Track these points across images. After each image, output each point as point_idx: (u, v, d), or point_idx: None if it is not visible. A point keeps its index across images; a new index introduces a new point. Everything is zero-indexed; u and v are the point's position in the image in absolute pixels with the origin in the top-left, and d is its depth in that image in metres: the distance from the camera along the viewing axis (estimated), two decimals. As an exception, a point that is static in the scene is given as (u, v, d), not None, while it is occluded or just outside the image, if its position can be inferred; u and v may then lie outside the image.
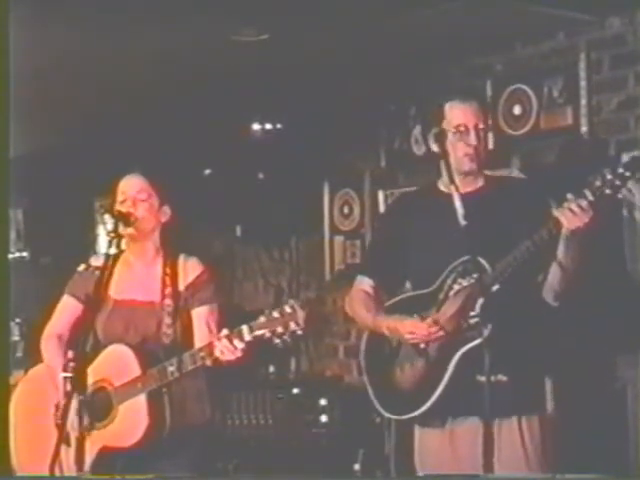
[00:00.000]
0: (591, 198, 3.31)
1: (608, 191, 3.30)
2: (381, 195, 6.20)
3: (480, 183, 3.65)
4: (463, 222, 3.33)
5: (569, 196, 3.34)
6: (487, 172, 3.69)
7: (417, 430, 3.71)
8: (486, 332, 3.21)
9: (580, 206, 3.30)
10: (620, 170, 3.28)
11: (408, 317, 3.60)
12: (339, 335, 6.43)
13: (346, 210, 6.47)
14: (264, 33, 5.14)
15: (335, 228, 6.53)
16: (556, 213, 3.35)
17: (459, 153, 3.57)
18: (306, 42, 5.27)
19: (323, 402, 5.77)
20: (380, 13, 4.82)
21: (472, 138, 3.56)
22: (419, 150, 5.97)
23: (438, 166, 3.68)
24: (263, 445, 5.85)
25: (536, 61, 5.37)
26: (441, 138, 3.56)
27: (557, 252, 3.46)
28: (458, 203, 3.37)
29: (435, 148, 3.61)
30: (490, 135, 3.68)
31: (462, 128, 3.56)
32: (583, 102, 5.12)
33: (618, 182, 3.29)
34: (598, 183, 3.30)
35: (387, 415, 3.78)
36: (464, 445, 3.51)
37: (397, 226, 3.77)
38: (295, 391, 5.90)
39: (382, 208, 6.17)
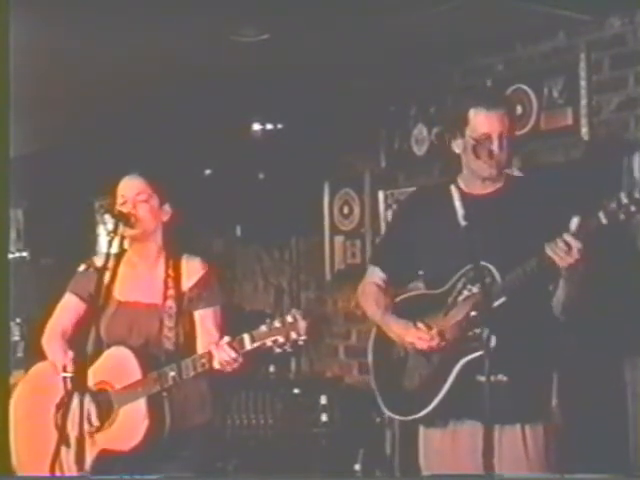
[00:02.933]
0: (604, 221, 3.25)
1: (622, 216, 3.23)
2: (381, 195, 6.20)
3: (499, 184, 3.63)
4: (463, 223, 3.33)
5: (565, 235, 3.30)
6: (507, 171, 3.67)
7: (421, 431, 3.71)
8: (490, 343, 3.20)
9: (570, 245, 3.27)
10: (637, 195, 3.21)
11: (413, 324, 3.59)
12: (339, 335, 6.43)
13: (346, 210, 6.47)
14: (264, 33, 5.14)
15: (335, 228, 6.53)
16: (549, 252, 3.31)
17: (480, 161, 3.55)
18: (306, 42, 5.27)
19: (323, 402, 5.77)
20: (380, 13, 4.82)
21: (495, 147, 3.52)
22: (419, 150, 5.98)
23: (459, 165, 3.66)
24: (263, 445, 5.85)
25: (536, 61, 5.37)
26: (462, 143, 3.57)
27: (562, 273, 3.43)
28: (458, 203, 3.36)
29: (456, 150, 3.59)
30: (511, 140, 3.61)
31: (485, 137, 3.52)
32: (583, 102, 5.12)
33: (634, 208, 3.22)
34: (613, 206, 3.24)
35: (391, 415, 3.78)
36: (466, 445, 3.51)
37: (414, 220, 3.75)
38: (295, 391, 5.90)
39: (381, 207, 6.18)
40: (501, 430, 3.36)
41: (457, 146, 3.60)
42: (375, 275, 3.84)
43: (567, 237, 3.28)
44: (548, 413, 3.56)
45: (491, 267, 3.43)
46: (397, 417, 3.81)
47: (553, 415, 3.56)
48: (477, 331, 3.41)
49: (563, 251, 3.28)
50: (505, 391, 3.33)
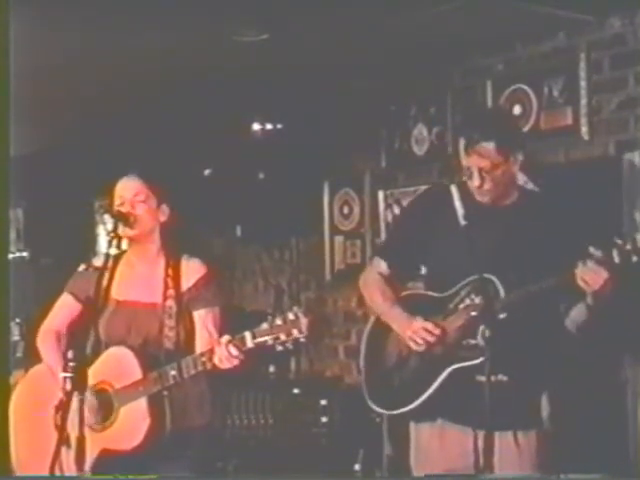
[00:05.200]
0: (617, 260, 3.26)
1: (635, 258, 3.24)
2: (381, 195, 6.20)
3: (511, 199, 3.60)
4: (463, 222, 3.33)
5: (592, 250, 3.29)
6: (521, 184, 3.66)
7: (412, 428, 3.71)
8: (484, 354, 3.23)
9: (599, 270, 3.27)
10: None
11: (418, 318, 3.59)
12: (339, 335, 6.43)
13: (346, 210, 6.47)
14: (264, 33, 5.15)
15: (335, 228, 6.53)
16: (579, 273, 3.30)
17: (470, 186, 3.54)
18: (306, 42, 5.27)
19: (323, 402, 5.77)
20: (380, 13, 4.82)
21: (475, 180, 3.49)
22: (419, 150, 5.99)
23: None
24: (263, 445, 5.85)
25: (536, 61, 5.37)
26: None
27: (587, 298, 3.43)
28: (458, 203, 3.37)
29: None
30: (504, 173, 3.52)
31: (466, 169, 3.51)
32: (583, 102, 5.12)
33: None
34: (628, 247, 3.25)
35: (376, 409, 3.77)
36: (453, 444, 3.52)
37: (420, 219, 3.72)
38: (295, 391, 5.90)
39: (381, 207, 6.19)
40: (492, 432, 3.35)
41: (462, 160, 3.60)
42: (380, 267, 3.81)
43: (596, 262, 3.28)
44: (543, 415, 3.56)
45: (496, 281, 3.42)
46: (382, 411, 3.80)
47: (549, 415, 3.56)
48: (471, 341, 3.43)
49: (593, 274, 3.28)
50: (500, 394, 3.30)
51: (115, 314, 3.81)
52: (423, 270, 3.78)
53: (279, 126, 6.45)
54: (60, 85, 5.92)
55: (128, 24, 4.88)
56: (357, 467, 5.57)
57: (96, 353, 3.77)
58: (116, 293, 3.82)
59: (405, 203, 5.70)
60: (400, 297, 3.75)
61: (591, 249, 3.30)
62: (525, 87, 5.37)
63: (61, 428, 3.46)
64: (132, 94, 6.18)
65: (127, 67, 5.61)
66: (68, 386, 3.57)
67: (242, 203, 6.66)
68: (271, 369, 6.24)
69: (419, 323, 3.57)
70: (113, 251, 3.74)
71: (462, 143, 3.51)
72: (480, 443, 3.19)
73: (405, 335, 3.62)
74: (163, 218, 3.86)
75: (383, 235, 6.12)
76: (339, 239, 6.51)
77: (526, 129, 5.29)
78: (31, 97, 5.15)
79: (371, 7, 4.71)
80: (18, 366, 4.81)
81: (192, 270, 3.84)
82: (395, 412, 3.69)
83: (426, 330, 3.55)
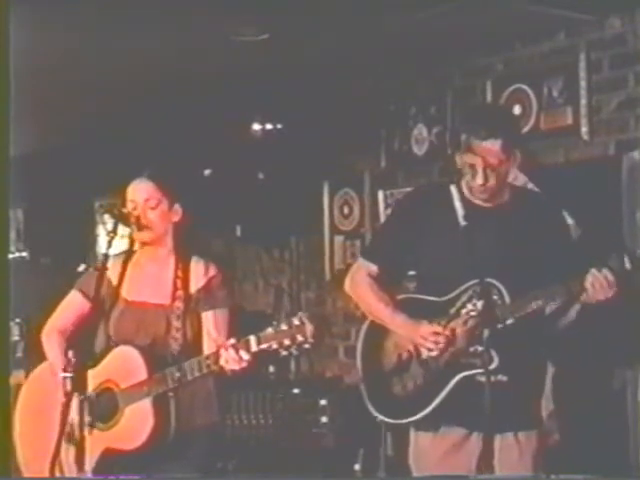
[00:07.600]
0: (628, 266, 3.28)
1: None
2: (381, 195, 6.20)
3: (505, 198, 3.59)
4: (463, 223, 3.32)
5: (606, 267, 3.31)
6: (521, 184, 3.65)
7: (412, 434, 3.66)
8: (492, 364, 3.25)
9: (608, 280, 3.29)
10: None
11: (424, 323, 3.54)
12: (339, 335, 6.43)
13: (346, 210, 6.47)
14: (264, 33, 5.15)
15: (335, 228, 6.53)
16: (587, 282, 3.32)
17: (470, 184, 3.52)
18: (306, 42, 5.27)
19: (323, 402, 5.76)
20: (380, 13, 4.82)
21: (479, 178, 3.47)
22: (419, 150, 5.99)
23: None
24: (263, 445, 5.85)
25: (536, 61, 5.37)
26: (460, 159, 3.53)
27: (582, 297, 3.43)
28: (458, 204, 3.36)
29: (458, 162, 3.54)
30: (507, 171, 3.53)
31: (470, 167, 3.48)
32: (583, 102, 5.12)
33: None
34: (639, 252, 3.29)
35: (382, 418, 3.71)
36: (455, 446, 3.50)
37: (413, 219, 3.66)
38: (295, 391, 5.90)
39: (381, 207, 6.18)
40: (493, 433, 3.34)
41: (458, 159, 3.55)
42: (370, 268, 3.72)
43: (609, 272, 3.29)
44: (544, 419, 3.56)
45: (500, 286, 3.41)
46: (387, 419, 3.71)
47: (549, 421, 3.56)
48: (479, 348, 3.37)
49: (603, 284, 3.29)
50: (501, 395, 3.29)
51: (124, 314, 3.81)
52: (413, 272, 3.71)
53: (279, 126, 6.45)
54: (60, 85, 5.92)
55: (128, 24, 4.88)
56: (357, 467, 5.57)
57: (105, 352, 3.76)
58: (126, 293, 3.81)
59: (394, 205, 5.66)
60: (397, 301, 3.68)
61: (608, 259, 3.31)
62: (525, 87, 5.37)
63: (62, 428, 3.46)
64: (131, 94, 6.18)
65: (127, 67, 5.61)
66: (68, 386, 3.58)
67: (242, 203, 6.65)
68: (271, 369, 6.24)
69: (427, 328, 3.51)
70: (120, 251, 3.75)
71: (466, 140, 3.48)
72: (481, 445, 3.18)
73: (415, 341, 3.55)
74: (176, 218, 3.84)
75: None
76: (339, 239, 6.50)
77: (526, 129, 5.29)
78: (31, 97, 5.15)
79: (371, 7, 4.71)
80: (18, 366, 4.82)
81: (202, 271, 3.82)
82: (401, 421, 3.62)
83: (436, 334, 3.50)
